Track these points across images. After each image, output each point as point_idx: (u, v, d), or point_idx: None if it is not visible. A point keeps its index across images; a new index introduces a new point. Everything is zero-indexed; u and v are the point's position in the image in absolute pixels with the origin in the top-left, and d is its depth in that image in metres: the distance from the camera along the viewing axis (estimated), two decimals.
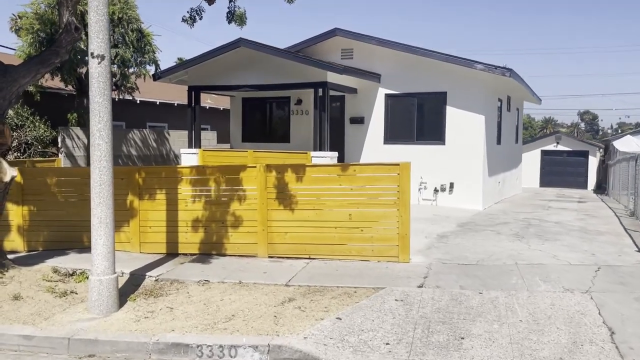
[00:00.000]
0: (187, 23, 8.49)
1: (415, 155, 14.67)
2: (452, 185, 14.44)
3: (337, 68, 13.08)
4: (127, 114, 20.80)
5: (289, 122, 16.70)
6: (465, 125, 14.21)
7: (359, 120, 15.52)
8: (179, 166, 8.55)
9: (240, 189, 8.21)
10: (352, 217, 7.76)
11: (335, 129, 15.00)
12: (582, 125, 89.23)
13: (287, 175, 8.01)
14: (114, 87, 15.21)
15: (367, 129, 15.46)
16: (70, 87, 16.09)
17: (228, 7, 8.71)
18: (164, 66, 15.47)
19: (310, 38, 15.53)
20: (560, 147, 32.49)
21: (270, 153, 14.50)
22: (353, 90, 15.20)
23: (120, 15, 13.33)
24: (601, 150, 34.22)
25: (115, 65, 14.26)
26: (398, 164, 7.71)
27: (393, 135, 15.22)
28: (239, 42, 13.98)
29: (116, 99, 18.89)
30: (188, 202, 8.41)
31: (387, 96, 15.19)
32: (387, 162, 8.07)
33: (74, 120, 16.87)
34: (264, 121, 17.35)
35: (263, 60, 14.25)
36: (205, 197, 8.36)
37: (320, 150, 13.73)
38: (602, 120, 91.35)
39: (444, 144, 14.53)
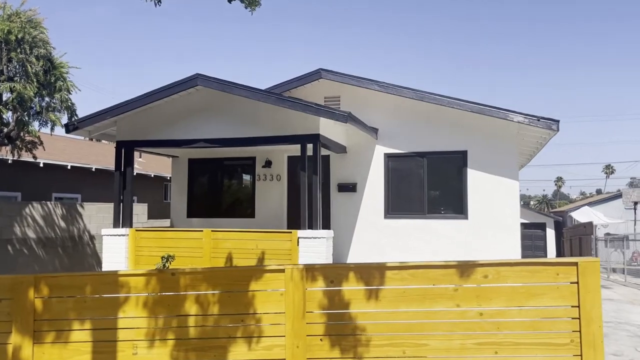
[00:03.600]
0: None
1: (427, 233, 11.15)
2: None
3: (338, 113, 9.44)
4: (25, 181, 15.72)
5: (253, 191, 12.64)
6: (493, 194, 10.93)
7: (350, 188, 11.81)
8: (120, 272, 4.30)
9: (250, 315, 4.06)
10: None
11: (312, 198, 11.15)
12: (550, 194, 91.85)
13: (345, 284, 4.02)
14: (4, 141, 10.52)
15: (362, 198, 11.77)
16: None
17: None
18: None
19: (285, 82, 11.93)
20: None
21: (234, 234, 10.32)
22: (341, 149, 11.60)
23: (20, 36, 9.06)
24: (563, 219, 32.89)
25: (9, 109, 9.75)
26: (575, 263, 3.97)
27: (397, 206, 11.61)
28: (195, 79, 10.06)
29: (9, 160, 13.93)
30: (141, 348, 4.09)
31: (388, 156, 11.70)
32: (550, 261, 4.28)
33: None
34: (218, 190, 13.16)
35: (227, 105, 10.38)
36: (178, 335, 4.09)
37: (310, 228, 9.78)
38: (570, 187, 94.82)
39: (466, 218, 11.10)
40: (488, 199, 10.93)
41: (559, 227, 32.86)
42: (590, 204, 34.33)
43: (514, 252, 10.76)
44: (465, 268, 4.01)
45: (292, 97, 10.09)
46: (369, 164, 11.74)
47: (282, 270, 4.07)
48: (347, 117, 9.33)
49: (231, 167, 13.16)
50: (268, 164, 12.36)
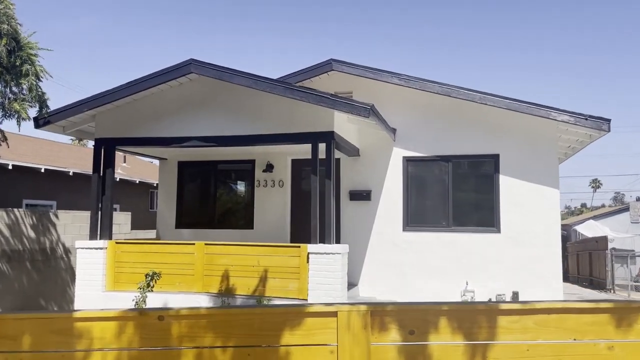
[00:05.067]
0: None
1: (453, 249, 9.73)
2: (515, 295, 9.41)
3: (359, 106, 7.97)
4: None
5: (252, 198, 11.10)
6: (531, 205, 9.52)
7: (363, 196, 10.33)
8: (78, 314, 2.79)
9: None
10: None
11: (325, 207, 9.54)
12: None
13: (434, 336, 2.55)
14: None
15: (376, 208, 10.29)
16: None
17: None
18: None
19: (290, 74, 10.47)
20: None
21: (232, 247, 8.78)
22: (354, 151, 10.16)
23: None
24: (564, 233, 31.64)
25: None
26: None
27: (417, 218, 10.15)
28: (188, 65, 8.56)
29: None
30: None
31: (407, 160, 10.26)
32: None
33: None
34: (212, 197, 11.59)
35: (225, 97, 8.91)
36: None
37: (322, 242, 8.28)
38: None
39: (498, 231, 9.67)
40: (524, 210, 9.53)
41: (563, 242, 31.61)
42: (594, 218, 33.20)
43: (555, 269, 9.36)
44: (624, 313, 2.55)
45: (303, 87, 8.62)
46: (385, 169, 10.29)
47: (334, 314, 2.57)
48: (370, 111, 7.87)
49: (227, 171, 11.63)
50: (269, 167, 10.86)
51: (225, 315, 2.64)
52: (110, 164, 9.46)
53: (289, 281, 8.28)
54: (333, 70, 10.21)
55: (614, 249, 25.08)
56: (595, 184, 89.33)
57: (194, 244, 8.84)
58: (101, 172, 9.40)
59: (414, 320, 2.58)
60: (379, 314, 2.58)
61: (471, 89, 9.50)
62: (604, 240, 22.58)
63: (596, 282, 22.41)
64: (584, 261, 25.28)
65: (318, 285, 8.05)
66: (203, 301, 8.49)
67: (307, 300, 8.08)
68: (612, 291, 20.03)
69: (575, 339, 2.54)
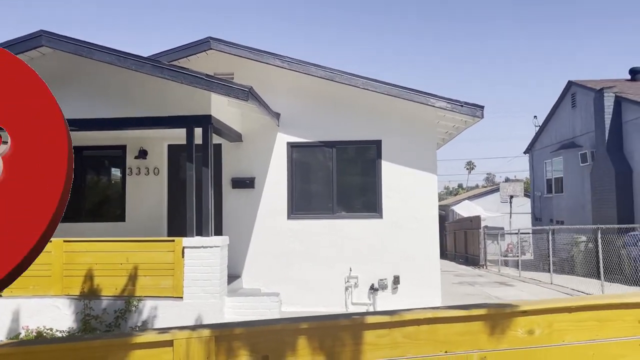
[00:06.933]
0: None
1: (337, 235, 9.60)
2: (396, 279, 9.54)
3: (237, 88, 7.41)
4: None
5: (123, 187, 10.13)
6: (411, 190, 9.64)
7: (246, 183, 9.83)
8: None
9: None
10: None
11: (203, 197, 8.92)
12: None
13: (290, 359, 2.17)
14: None
15: (261, 196, 9.85)
16: None
17: None
18: None
19: (165, 51, 9.60)
20: None
21: (96, 244, 7.89)
22: (236, 136, 9.61)
23: None
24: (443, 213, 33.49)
25: None
26: None
27: (302, 205, 9.87)
28: (39, 37, 7.44)
29: None
30: None
31: (291, 146, 9.91)
32: (628, 300, 2.72)
33: None
34: (76, 187, 10.41)
35: (87, 76, 7.92)
36: None
37: (200, 234, 7.69)
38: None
39: (380, 217, 9.69)
40: (404, 195, 9.62)
41: (441, 221, 33.50)
42: (470, 198, 35.64)
43: (433, 253, 9.59)
44: (496, 319, 2.35)
45: (175, 66, 7.86)
46: (269, 155, 9.86)
47: (169, 343, 2.09)
48: (248, 94, 7.36)
49: (94, 158, 10.50)
50: (142, 154, 9.95)
51: (25, 354, 2.05)
52: None
53: (163, 279, 7.61)
54: (212, 49, 9.52)
55: (486, 227, 27.01)
56: (470, 166, 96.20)
57: (50, 241, 7.78)
58: None
59: (268, 342, 2.18)
60: (225, 339, 2.14)
61: (354, 74, 9.35)
62: (477, 219, 24.17)
63: (471, 258, 23.99)
64: (460, 239, 26.99)
65: (194, 282, 7.47)
66: (62, 305, 7.55)
67: (182, 298, 7.49)
68: (485, 267, 21.53)
69: (446, 351, 2.29)
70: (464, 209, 31.73)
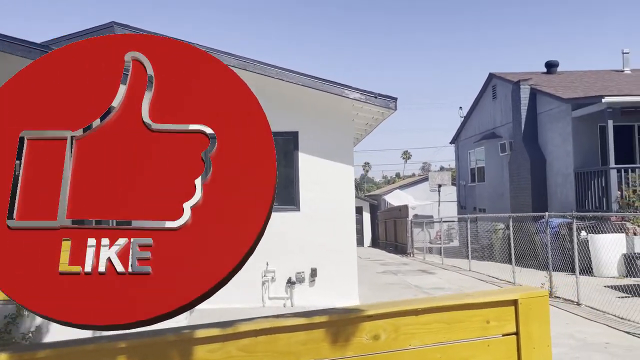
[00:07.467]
0: None
1: None
2: (314, 272, 9.47)
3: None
4: None
5: None
6: (328, 182, 9.58)
7: None
8: None
9: None
10: None
11: None
12: (357, 178, 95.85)
13: None
14: None
15: None
16: None
17: None
18: None
19: (67, 36, 8.97)
20: None
21: None
22: None
23: None
24: (376, 203, 33.98)
25: None
26: (514, 301, 2.44)
27: None
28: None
29: None
30: None
31: None
32: (475, 301, 2.64)
33: None
34: None
35: None
36: None
37: None
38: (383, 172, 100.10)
39: (298, 209, 9.58)
40: (322, 187, 9.54)
41: (374, 211, 34.07)
42: (401, 187, 36.38)
43: (350, 244, 9.59)
44: (340, 326, 2.23)
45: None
46: None
47: None
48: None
49: None
50: None
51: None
52: None
53: None
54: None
55: (415, 215, 27.66)
56: (406, 155, 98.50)
57: None
58: None
59: None
60: None
61: (268, 64, 9.12)
62: (405, 208, 24.65)
63: (400, 246, 24.49)
64: (390, 228, 27.50)
65: None
66: None
67: None
68: (412, 255, 22.03)
69: None
70: (395, 198, 32.40)
